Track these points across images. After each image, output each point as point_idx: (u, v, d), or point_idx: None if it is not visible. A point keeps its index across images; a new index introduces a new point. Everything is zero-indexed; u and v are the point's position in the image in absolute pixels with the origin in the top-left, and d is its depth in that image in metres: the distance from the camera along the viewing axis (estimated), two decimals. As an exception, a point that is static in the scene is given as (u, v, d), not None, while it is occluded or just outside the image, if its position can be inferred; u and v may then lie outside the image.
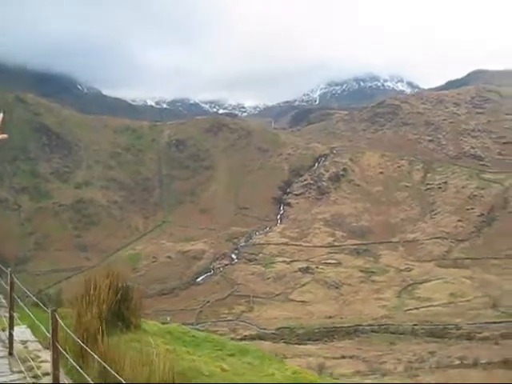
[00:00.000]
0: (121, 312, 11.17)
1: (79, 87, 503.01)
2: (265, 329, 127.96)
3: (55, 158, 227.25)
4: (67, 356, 6.95)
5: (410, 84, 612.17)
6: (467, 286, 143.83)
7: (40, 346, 9.39)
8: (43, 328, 8.47)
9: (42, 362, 8.57)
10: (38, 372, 7.85)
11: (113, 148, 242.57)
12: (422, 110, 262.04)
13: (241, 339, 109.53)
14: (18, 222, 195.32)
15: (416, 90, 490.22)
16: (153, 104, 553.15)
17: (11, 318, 9.55)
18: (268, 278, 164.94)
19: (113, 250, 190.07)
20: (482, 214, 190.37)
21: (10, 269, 9.70)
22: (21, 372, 8.02)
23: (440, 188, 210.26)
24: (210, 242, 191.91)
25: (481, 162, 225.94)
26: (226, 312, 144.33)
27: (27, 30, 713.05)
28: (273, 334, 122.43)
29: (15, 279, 9.76)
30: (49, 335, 8.49)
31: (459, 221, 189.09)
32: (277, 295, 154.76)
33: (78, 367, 6.61)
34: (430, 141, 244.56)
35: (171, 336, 12.37)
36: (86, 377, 6.33)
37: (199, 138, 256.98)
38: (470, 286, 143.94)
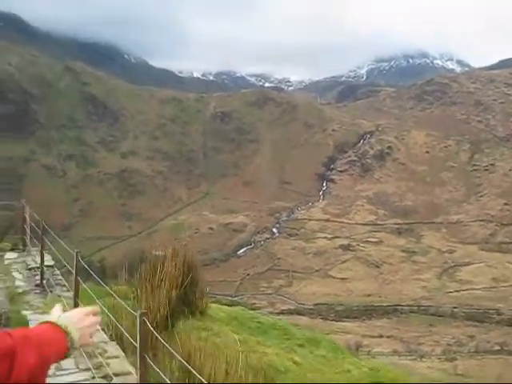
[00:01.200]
0: (187, 296, 10.60)
1: (126, 57, 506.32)
2: (303, 304, 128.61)
3: (102, 126, 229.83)
4: (145, 356, 6.26)
5: (460, 62, 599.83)
6: (510, 271, 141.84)
7: (105, 336, 8.61)
8: (108, 313, 7.95)
9: (109, 357, 7.81)
10: (108, 370, 7.30)
11: (158, 119, 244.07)
12: (472, 90, 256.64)
13: (278, 313, 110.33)
14: (64, 189, 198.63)
15: (466, 68, 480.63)
16: (199, 76, 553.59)
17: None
18: (308, 254, 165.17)
19: (156, 220, 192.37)
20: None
21: (76, 250, 9.17)
22: (88, 370, 7.41)
23: (487, 170, 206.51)
24: (251, 216, 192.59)
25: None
26: (265, 285, 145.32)
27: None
28: (311, 309, 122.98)
29: (81, 261, 9.23)
30: (116, 322, 8.14)
31: (505, 204, 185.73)
32: (316, 271, 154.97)
33: (156, 368, 6.07)
34: (479, 121, 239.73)
35: (237, 322, 11.72)
36: (165, 378, 5.91)
37: (244, 111, 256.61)
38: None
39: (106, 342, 8.35)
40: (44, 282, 12.47)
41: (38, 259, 13.25)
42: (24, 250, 16.38)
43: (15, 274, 13.69)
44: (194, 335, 8.64)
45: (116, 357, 7.79)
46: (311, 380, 9.05)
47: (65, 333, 2.07)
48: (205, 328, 10.13)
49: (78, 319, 2.20)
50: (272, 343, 10.81)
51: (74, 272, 8.77)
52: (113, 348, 8.14)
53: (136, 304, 9.32)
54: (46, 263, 12.91)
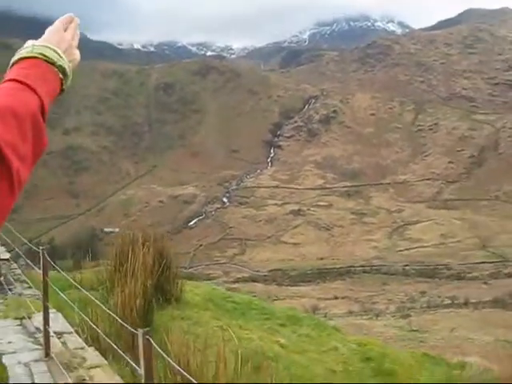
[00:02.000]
0: (161, 283, 9.74)
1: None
2: (257, 271, 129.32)
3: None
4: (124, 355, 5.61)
5: (400, 24, 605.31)
6: (457, 227, 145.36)
7: (80, 341, 7.40)
8: (79, 312, 7.22)
9: (91, 367, 6.62)
10: (93, 386, 6.13)
11: (101, 93, 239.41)
12: (414, 51, 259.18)
13: (233, 282, 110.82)
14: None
15: (407, 30, 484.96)
16: (139, 47, 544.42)
17: (46, 310, 7.44)
18: (259, 221, 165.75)
19: (104, 196, 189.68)
20: (473, 156, 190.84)
21: (42, 247, 7.73)
22: (69, 386, 6.10)
23: (431, 129, 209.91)
24: (201, 186, 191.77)
25: (472, 103, 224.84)
26: (219, 255, 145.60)
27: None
28: (265, 276, 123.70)
29: (48, 258, 7.69)
30: (90, 323, 7.17)
31: (450, 162, 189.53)
32: (269, 238, 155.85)
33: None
34: (422, 82, 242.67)
35: (213, 305, 10.96)
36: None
37: (187, 81, 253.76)
38: (460, 227, 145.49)
39: (82, 348, 7.19)
40: (1, 278, 11.49)
41: None
42: None
43: None
44: (176, 328, 7.92)
45: (98, 366, 6.68)
46: (302, 365, 8.65)
47: (51, 64, 1.76)
48: (184, 317, 9.54)
49: (58, 39, 1.87)
50: (253, 326, 10.34)
51: (40, 272, 7.52)
52: (92, 355, 6.98)
53: (107, 296, 8.69)
54: (0, 256, 12.04)
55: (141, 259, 9.12)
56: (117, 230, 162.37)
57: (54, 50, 1.74)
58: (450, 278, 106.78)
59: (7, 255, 13.06)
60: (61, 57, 1.74)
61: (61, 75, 1.73)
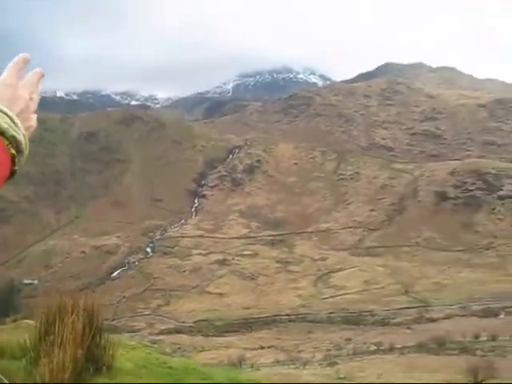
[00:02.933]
0: (91, 351, 8.91)
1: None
2: (183, 322, 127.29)
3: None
4: None
5: (322, 76, 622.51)
6: (380, 274, 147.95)
7: None
8: None
9: None
10: None
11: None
12: (335, 102, 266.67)
13: (158, 334, 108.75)
14: None
15: (328, 82, 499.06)
16: (63, 95, 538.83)
17: None
18: (184, 271, 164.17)
19: (24, 247, 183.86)
20: (393, 203, 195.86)
21: None
22: None
23: (352, 178, 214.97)
24: (124, 236, 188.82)
25: (391, 153, 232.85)
26: (143, 306, 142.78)
27: None
28: (191, 327, 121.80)
29: None
30: None
31: (371, 210, 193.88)
32: (194, 288, 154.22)
33: None
34: (343, 132, 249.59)
35: (148, 372, 10.20)
36: None
37: (111, 130, 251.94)
38: (383, 274, 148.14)
39: None
40: None
41: None
42: None
43: None
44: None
45: None
46: None
47: (3, 139, 1.33)
48: (115, 388, 8.69)
49: (10, 96, 1.39)
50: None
51: None
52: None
53: (31, 368, 7.97)
54: None
55: (70, 327, 8.55)
56: (36, 281, 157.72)
57: (5, 113, 1.32)
58: (375, 324, 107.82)
59: None
60: (14, 123, 1.31)
61: (13, 150, 1.31)
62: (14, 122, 1.30)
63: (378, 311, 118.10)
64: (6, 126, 1.26)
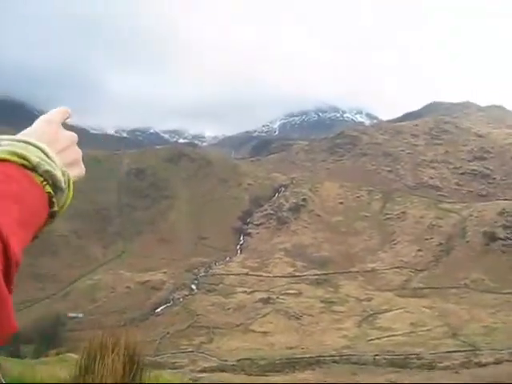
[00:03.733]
0: None
1: (37, 114, 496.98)
2: (225, 360, 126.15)
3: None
4: None
5: (368, 115, 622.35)
6: (427, 316, 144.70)
7: None
8: None
9: None
10: None
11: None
12: (381, 141, 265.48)
13: (200, 371, 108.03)
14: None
15: (375, 121, 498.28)
16: (112, 133, 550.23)
17: None
18: (228, 309, 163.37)
19: (70, 281, 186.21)
20: (441, 244, 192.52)
21: None
22: None
23: (399, 218, 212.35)
24: (169, 273, 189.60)
25: (439, 193, 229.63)
26: (186, 343, 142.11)
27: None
28: (233, 365, 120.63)
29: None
30: None
31: (418, 250, 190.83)
32: (237, 326, 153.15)
33: None
34: (389, 171, 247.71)
35: None
36: None
37: (159, 167, 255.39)
38: (430, 316, 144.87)
39: None
40: None
41: None
42: None
43: None
44: None
45: None
46: None
47: (36, 176, 1.17)
48: None
49: (50, 132, 1.28)
50: None
51: None
52: None
53: None
54: None
55: (110, 365, 8.32)
56: (81, 315, 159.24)
57: (38, 147, 1.16)
58: (421, 368, 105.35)
59: None
60: (48, 157, 1.16)
61: (48, 188, 1.14)
62: (48, 157, 1.16)
63: (425, 354, 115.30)
64: (37, 159, 1.12)
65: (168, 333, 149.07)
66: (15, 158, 1.09)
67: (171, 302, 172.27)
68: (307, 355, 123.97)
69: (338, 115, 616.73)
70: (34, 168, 1.10)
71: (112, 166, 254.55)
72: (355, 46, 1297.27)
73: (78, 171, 1.29)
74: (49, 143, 1.21)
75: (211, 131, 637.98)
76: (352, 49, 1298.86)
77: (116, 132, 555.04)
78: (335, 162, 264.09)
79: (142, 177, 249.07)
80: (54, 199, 1.15)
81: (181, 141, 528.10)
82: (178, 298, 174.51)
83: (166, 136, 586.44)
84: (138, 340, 9.49)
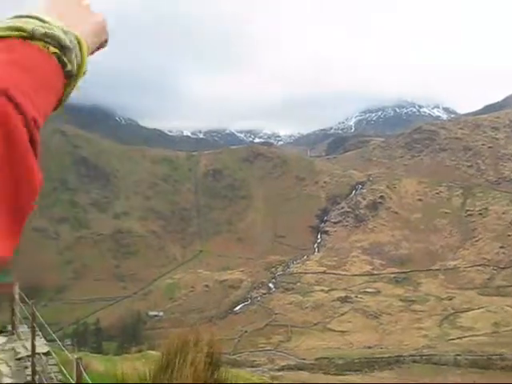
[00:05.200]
0: None
1: (117, 119, 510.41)
2: (303, 359, 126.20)
3: (94, 188, 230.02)
4: None
5: (446, 109, 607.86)
6: (511, 315, 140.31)
7: None
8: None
9: None
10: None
11: (150, 178, 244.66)
12: (460, 136, 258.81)
13: (279, 370, 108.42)
14: (57, 252, 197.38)
15: (453, 115, 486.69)
16: (189, 134, 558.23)
17: (33, 347, 8.90)
18: (306, 308, 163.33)
19: (151, 280, 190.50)
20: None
21: (32, 300, 8.79)
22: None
23: (480, 214, 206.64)
24: (247, 271, 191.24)
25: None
26: (264, 342, 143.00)
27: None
28: (311, 364, 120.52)
29: (36, 311, 9.16)
30: None
31: (501, 247, 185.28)
32: (315, 325, 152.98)
33: None
34: (469, 166, 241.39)
35: None
36: None
37: (235, 167, 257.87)
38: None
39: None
40: (36, 377, 10.73)
41: (29, 344, 11.47)
42: (13, 333, 14.83)
43: (2, 367, 11.95)
44: None
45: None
46: None
47: (36, 42, 1.11)
48: None
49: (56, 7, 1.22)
50: None
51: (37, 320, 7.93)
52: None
53: None
54: (38, 350, 11.17)
55: (191, 363, 8.42)
56: (161, 313, 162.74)
57: (35, 17, 1.14)
58: (505, 369, 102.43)
59: (45, 348, 12.02)
60: (45, 22, 1.14)
61: (52, 49, 1.13)
62: (44, 21, 1.13)
63: (509, 355, 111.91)
64: (31, 26, 1.11)
65: (246, 331, 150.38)
66: (12, 33, 1.09)
67: (249, 301, 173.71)
68: (386, 355, 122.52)
69: (415, 110, 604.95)
70: (31, 36, 1.09)
71: (189, 168, 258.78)
72: (431, 40, 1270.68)
73: (101, 37, 1.33)
74: (50, 10, 1.20)
75: (286, 130, 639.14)
76: (428, 42, 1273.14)
77: (193, 133, 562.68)
78: (413, 158, 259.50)
79: (219, 177, 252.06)
80: (64, 58, 1.11)
81: (256, 140, 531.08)
82: (256, 297, 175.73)
83: (242, 136, 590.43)
84: (217, 338, 9.77)
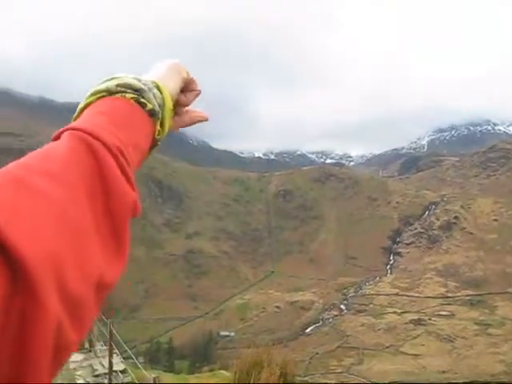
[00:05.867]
0: None
1: (190, 141, 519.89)
2: (375, 382, 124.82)
3: (167, 208, 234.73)
4: None
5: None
6: None
7: None
8: None
9: None
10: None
11: (222, 199, 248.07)
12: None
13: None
14: (130, 271, 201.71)
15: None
16: (260, 155, 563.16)
17: (110, 364, 9.32)
18: (378, 330, 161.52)
19: (222, 300, 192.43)
20: None
21: (110, 320, 9.34)
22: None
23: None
24: (318, 292, 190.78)
25: None
26: (336, 364, 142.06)
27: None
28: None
29: (114, 330, 9.54)
30: None
31: None
32: (387, 347, 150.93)
33: None
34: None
35: None
36: None
37: (307, 188, 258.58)
38: None
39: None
40: None
41: (106, 362, 11.94)
42: (91, 351, 15.12)
43: (80, 382, 12.38)
44: None
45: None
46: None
47: (139, 102, 1.15)
48: None
49: (164, 74, 1.30)
50: None
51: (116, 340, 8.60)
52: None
53: None
54: (115, 367, 11.68)
55: (263, 382, 8.52)
56: (232, 334, 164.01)
57: (112, 77, 1.22)
58: None
59: (122, 366, 12.47)
60: (117, 78, 1.20)
61: (129, 95, 1.18)
62: (117, 78, 1.20)
63: None
64: (104, 85, 1.17)
65: (317, 353, 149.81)
66: (92, 98, 1.15)
67: (320, 322, 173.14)
68: (461, 380, 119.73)
69: (490, 128, 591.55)
70: (109, 92, 1.15)
71: (261, 188, 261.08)
72: (504, 56, 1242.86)
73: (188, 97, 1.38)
74: (169, 77, 1.29)
75: (358, 150, 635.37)
76: (501, 58, 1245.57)
77: (264, 155, 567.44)
78: (488, 177, 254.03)
79: (290, 198, 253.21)
80: (142, 99, 1.14)
81: (328, 161, 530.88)
82: (328, 318, 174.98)
83: (313, 157, 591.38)
84: (290, 359, 9.88)
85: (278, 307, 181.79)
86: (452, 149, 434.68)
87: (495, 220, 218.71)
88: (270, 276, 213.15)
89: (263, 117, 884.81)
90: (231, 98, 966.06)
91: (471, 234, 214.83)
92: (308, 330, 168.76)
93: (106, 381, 11.80)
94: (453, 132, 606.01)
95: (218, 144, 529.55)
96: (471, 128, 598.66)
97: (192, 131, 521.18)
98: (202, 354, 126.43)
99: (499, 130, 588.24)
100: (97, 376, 12.69)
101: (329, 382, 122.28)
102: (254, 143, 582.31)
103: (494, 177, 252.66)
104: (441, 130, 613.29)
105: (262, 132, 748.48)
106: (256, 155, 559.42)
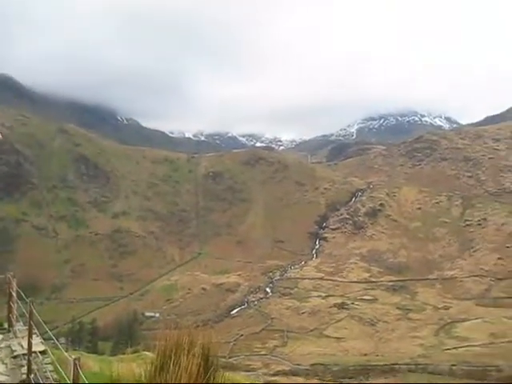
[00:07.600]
0: None
1: (119, 118, 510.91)
2: (298, 364, 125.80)
3: (93, 187, 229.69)
4: None
5: (448, 119, 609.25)
6: (508, 327, 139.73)
7: None
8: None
9: None
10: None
11: (150, 179, 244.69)
12: (461, 146, 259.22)
13: (273, 375, 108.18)
14: (56, 250, 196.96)
15: (454, 125, 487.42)
16: (190, 136, 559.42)
17: (29, 345, 9.17)
18: (303, 313, 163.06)
19: (148, 281, 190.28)
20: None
21: (30, 298, 8.95)
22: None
23: (479, 225, 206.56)
24: (245, 275, 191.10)
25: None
26: (260, 346, 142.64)
27: (68, 63, 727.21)
28: (306, 370, 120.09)
29: (33, 309, 9.24)
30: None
31: (499, 258, 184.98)
32: (311, 330, 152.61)
33: None
34: (469, 176, 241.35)
35: None
36: None
37: (236, 170, 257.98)
38: (511, 327, 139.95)
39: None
40: (31, 376, 10.57)
41: (25, 342, 11.36)
42: (10, 331, 14.60)
43: None
44: None
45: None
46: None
47: None
48: None
49: None
50: None
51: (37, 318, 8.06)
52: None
53: None
54: (34, 348, 11.03)
55: (185, 365, 8.35)
56: (157, 314, 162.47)
57: None
58: (501, 380, 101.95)
59: (42, 347, 11.88)
60: None
61: None
62: None
63: (505, 367, 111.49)
64: None
65: (242, 335, 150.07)
66: None
67: (246, 305, 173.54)
68: (382, 363, 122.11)
69: (417, 119, 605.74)
70: None
71: (190, 169, 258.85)
72: (433, 50, 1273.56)
73: None
74: None
75: (288, 135, 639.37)
76: (430, 52, 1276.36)
77: (194, 136, 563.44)
78: (414, 167, 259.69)
79: (219, 180, 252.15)
80: None
81: (258, 144, 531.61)
82: (253, 301, 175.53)
83: (243, 140, 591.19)
84: (213, 341, 9.55)
85: (204, 289, 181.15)
86: (380, 137, 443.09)
87: (419, 208, 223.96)
88: (197, 257, 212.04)
89: (198, 99, 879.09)
90: (163, 77, 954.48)
91: (395, 221, 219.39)
92: (233, 312, 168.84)
93: (24, 362, 11.20)
94: (381, 121, 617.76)
95: (148, 123, 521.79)
96: (399, 118, 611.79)
97: (121, 108, 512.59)
98: (126, 335, 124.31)
99: (426, 121, 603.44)
100: (15, 357, 12.14)
101: (252, 363, 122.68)
102: (187, 124, 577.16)
103: (419, 166, 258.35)
104: (370, 119, 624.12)
105: (195, 114, 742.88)
106: (186, 136, 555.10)
